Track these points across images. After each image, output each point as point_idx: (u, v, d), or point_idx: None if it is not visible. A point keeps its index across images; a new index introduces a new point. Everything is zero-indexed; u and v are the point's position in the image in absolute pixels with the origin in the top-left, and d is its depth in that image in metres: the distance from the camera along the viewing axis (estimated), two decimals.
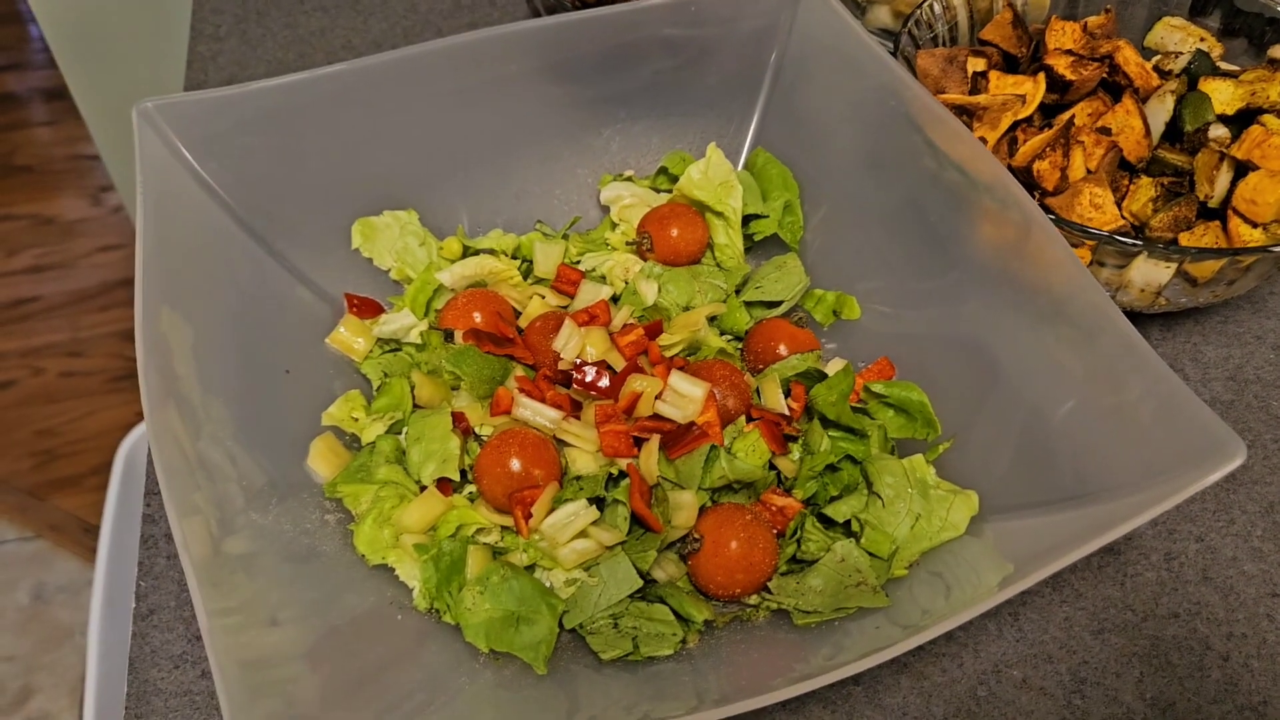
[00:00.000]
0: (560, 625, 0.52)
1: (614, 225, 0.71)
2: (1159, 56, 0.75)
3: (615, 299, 0.67)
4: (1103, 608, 0.59)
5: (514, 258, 0.69)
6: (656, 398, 0.58)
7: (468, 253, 0.68)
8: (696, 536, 0.54)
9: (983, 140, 0.71)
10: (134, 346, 0.49)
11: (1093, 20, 0.77)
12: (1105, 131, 0.70)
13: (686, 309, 0.66)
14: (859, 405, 0.60)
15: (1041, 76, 0.72)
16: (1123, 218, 0.68)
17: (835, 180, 0.68)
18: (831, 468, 0.57)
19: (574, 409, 0.59)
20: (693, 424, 0.56)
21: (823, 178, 0.69)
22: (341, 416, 0.59)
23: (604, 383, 0.59)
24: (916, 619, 0.49)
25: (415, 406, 0.60)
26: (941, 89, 0.75)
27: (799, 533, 0.56)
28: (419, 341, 0.64)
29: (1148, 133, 0.70)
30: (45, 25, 1.20)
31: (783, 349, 0.63)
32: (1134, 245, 0.62)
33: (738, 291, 0.68)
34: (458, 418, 0.58)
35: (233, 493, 0.50)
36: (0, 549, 1.57)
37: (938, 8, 0.77)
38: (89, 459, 1.66)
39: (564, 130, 0.70)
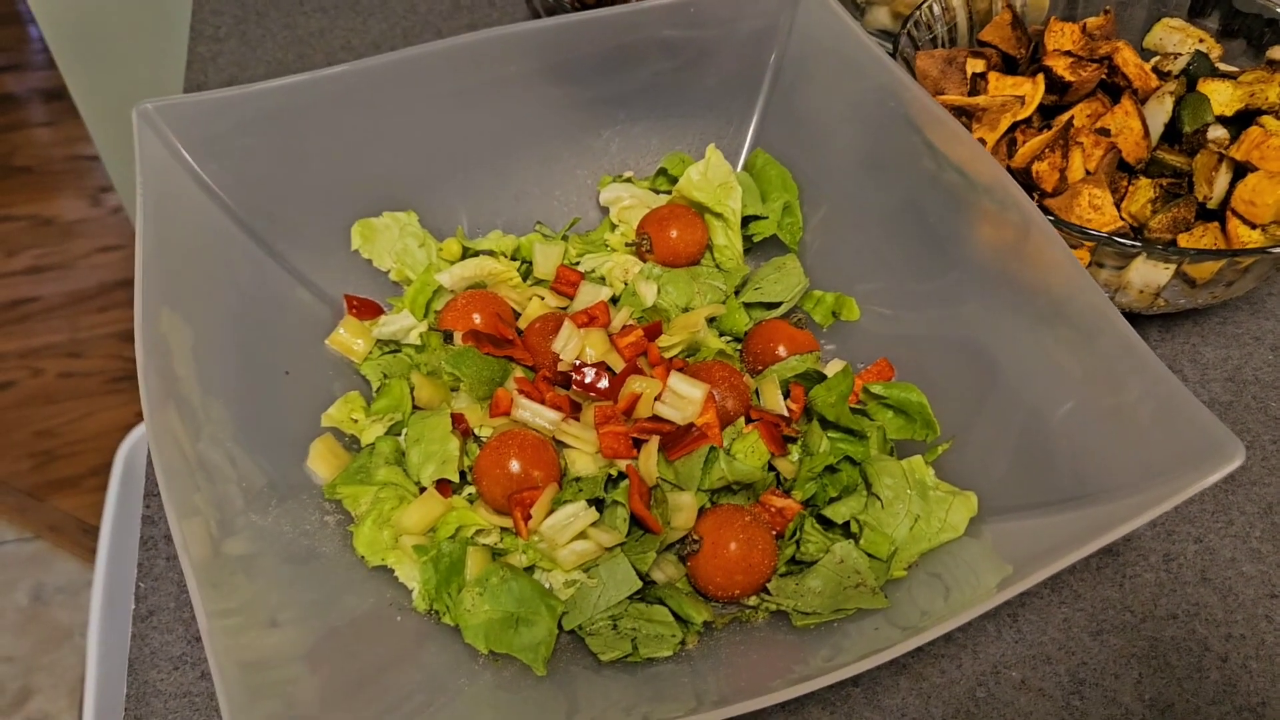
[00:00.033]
0: (559, 626, 0.52)
1: (613, 226, 0.71)
2: (1158, 58, 0.75)
3: (615, 300, 0.67)
4: (1101, 609, 0.59)
5: (513, 259, 0.70)
6: (656, 399, 0.58)
7: (467, 254, 0.68)
8: (696, 538, 0.54)
9: (982, 141, 0.71)
10: (133, 347, 0.49)
11: (1092, 21, 0.77)
12: (1104, 133, 0.70)
13: (686, 310, 0.66)
14: (858, 406, 0.61)
15: (1040, 78, 0.72)
16: (1121, 219, 0.68)
17: (834, 181, 0.69)
18: (830, 469, 0.57)
19: (573, 410, 0.59)
20: (692, 425, 0.56)
21: (822, 179, 0.69)
22: (341, 418, 0.60)
23: (603, 384, 0.59)
24: (915, 620, 0.49)
25: (415, 408, 0.60)
26: (940, 90, 0.75)
27: (798, 534, 0.56)
28: (418, 343, 0.64)
29: (1146, 134, 0.70)
30: (45, 26, 1.20)
31: (782, 350, 0.63)
32: (1133, 246, 0.62)
33: (737, 293, 0.68)
34: (457, 419, 0.58)
35: (232, 494, 0.50)
36: None
37: (937, 9, 0.77)
38: (88, 460, 1.66)
39: (563, 131, 0.70)
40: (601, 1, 0.83)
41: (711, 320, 0.66)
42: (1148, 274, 0.64)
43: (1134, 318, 0.71)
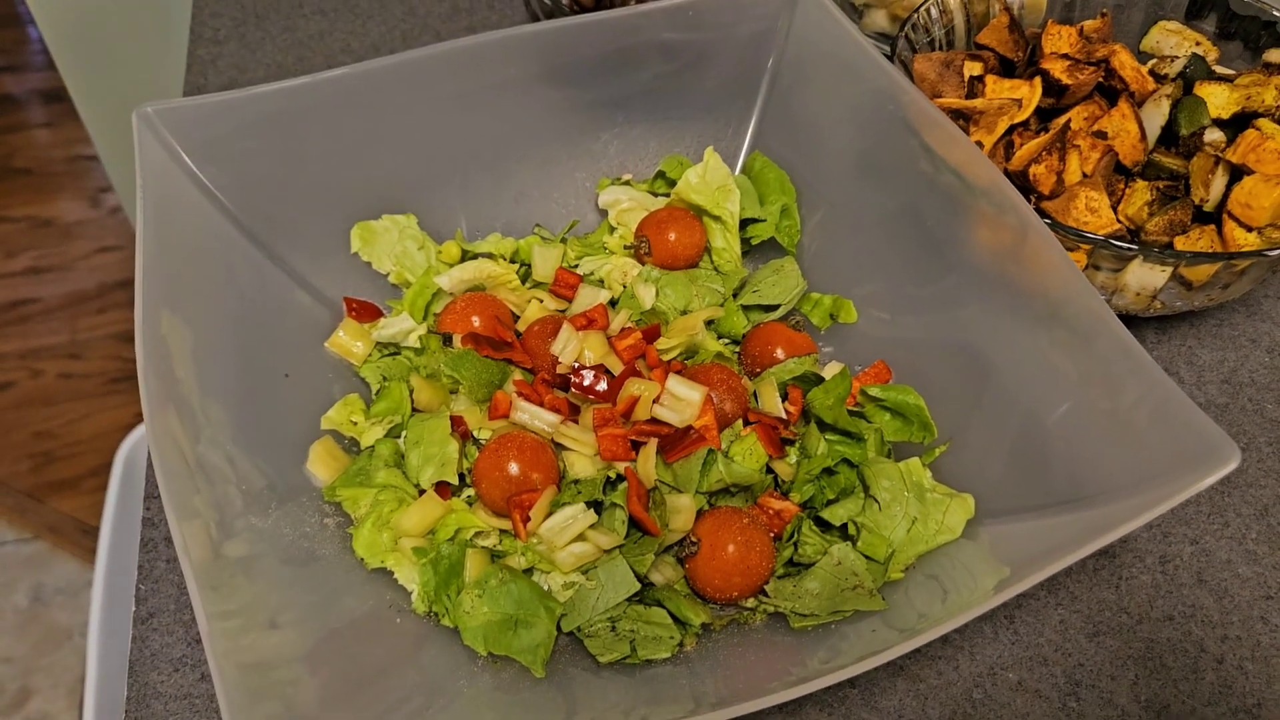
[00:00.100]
0: (558, 628, 0.52)
1: (612, 229, 0.72)
2: (1155, 60, 0.75)
3: (613, 303, 0.67)
4: (1098, 610, 0.59)
5: (512, 261, 0.70)
6: (654, 401, 0.58)
7: (466, 256, 0.69)
8: (694, 540, 0.55)
9: (979, 144, 0.71)
10: (132, 348, 0.49)
11: (1089, 24, 0.77)
12: (1101, 135, 0.71)
13: (684, 313, 0.66)
14: (856, 409, 0.61)
15: (1038, 81, 0.72)
16: (1118, 221, 0.68)
17: (832, 184, 0.69)
18: (828, 471, 0.57)
19: (572, 413, 0.59)
20: (690, 427, 0.57)
21: (820, 182, 0.69)
22: (340, 420, 0.60)
23: (602, 386, 0.59)
24: (913, 622, 0.49)
25: (414, 410, 0.60)
26: (938, 93, 0.75)
27: (796, 536, 0.56)
28: (418, 345, 0.64)
29: (1143, 137, 0.70)
30: (44, 27, 1.20)
31: (780, 353, 0.64)
32: (1129, 249, 0.62)
33: (735, 295, 0.68)
34: (456, 421, 0.58)
35: (232, 496, 0.50)
36: None
37: (934, 12, 0.77)
38: (87, 460, 1.66)
39: (562, 134, 0.71)
40: (600, 4, 0.83)
41: (710, 323, 0.67)
42: (1144, 277, 0.64)
43: (1130, 320, 0.71)
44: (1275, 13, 0.76)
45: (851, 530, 0.55)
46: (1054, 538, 0.48)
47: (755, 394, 0.62)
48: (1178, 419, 0.47)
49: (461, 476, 0.57)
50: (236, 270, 0.60)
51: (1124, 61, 0.72)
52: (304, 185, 0.63)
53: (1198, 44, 0.76)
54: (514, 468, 0.55)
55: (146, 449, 0.65)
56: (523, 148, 0.70)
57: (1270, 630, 0.59)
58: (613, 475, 0.56)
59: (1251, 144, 0.68)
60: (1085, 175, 0.69)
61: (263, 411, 0.56)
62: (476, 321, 0.63)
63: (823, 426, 0.58)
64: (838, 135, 0.68)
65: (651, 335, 0.63)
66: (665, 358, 0.63)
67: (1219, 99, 0.71)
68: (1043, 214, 0.67)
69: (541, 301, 0.67)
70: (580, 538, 0.54)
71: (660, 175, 0.73)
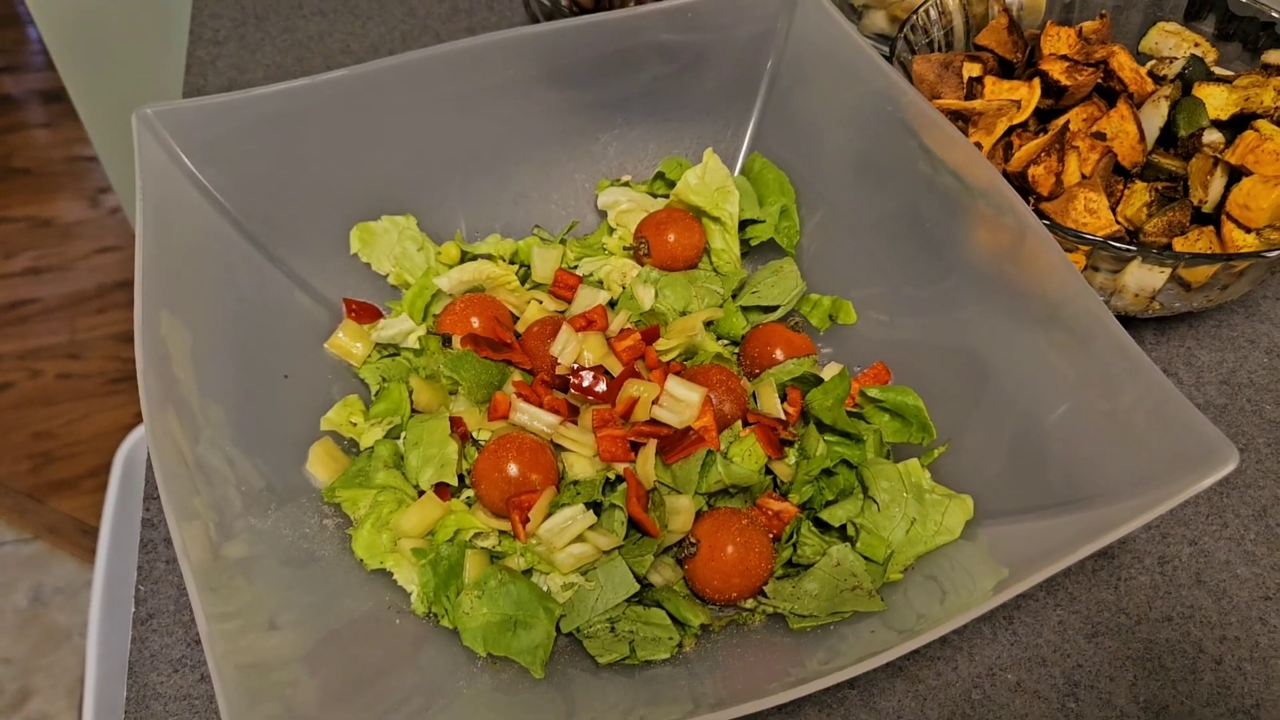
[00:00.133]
0: (557, 629, 0.52)
1: (611, 230, 0.72)
2: (1154, 62, 0.75)
3: (613, 304, 0.67)
4: (1096, 611, 0.59)
5: (512, 263, 0.70)
6: (653, 402, 0.58)
7: (466, 258, 0.69)
8: (693, 541, 0.55)
9: (978, 145, 0.71)
10: (132, 348, 0.49)
11: (1088, 25, 0.77)
12: (1100, 137, 0.71)
13: (683, 314, 0.66)
14: (855, 410, 0.61)
15: (1036, 82, 0.72)
16: (1117, 223, 0.68)
17: (831, 185, 0.69)
18: (827, 472, 0.57)
19: (571, 414, 0.59)
20: (689, 429, 0.57)
21: (819, 183, 0.70)
22: (340, 421, 0.60)
23: (601, 387, 0.59)
24: (911, 623, 0.49)
25: (413, 411, 0.60)
26: (937, 94, 0.75)
27: (795, 537, 0.56)
28: (417, 346, 0.64)
29: (1142, 138, 0.70)
30: (44, 27, 1.20)
31: (779, 354, 0.64)
32: (1128, 250, 0.62)
33: (734, 296, 0.68)
34: (455, 422, 0.58)
35: (231, 497, 0.50)
36: None
37: (933, 13, 0.77)
38: (86, 461, 1.66)
39: (562, 135, 0.71)
40: (599, 6, 0.83)
41: (709, 324, 0.67)
42: (1143, 278, 0.64)
43: (1129, 321, 0.71)
44: (1274, 14, 0.76)
45: (850, 531, 0.55)
46: (1053, 539, 0.48)
47: (754, 395, 0.62)
48: (1176, 420, 0.47)
49: (461, 477, 0.57)
50: (236, 271, 0.60)
51: (1123, 63, 0.72)
52: (303, 186, 0.63)
53: (1196, 45, 0.76)
54: (513, 469, 0.55)
55: (146, 449, 0.65)
56: (522, 149, 0.70)
57: (1269, 631, 0.59)
58: (612, 476, 0.56)
59: (1250, 145, 0.68)
60: (1084, 176, 0.69)
61: (262, 412, 0.56)
62: (476, 323, 0.63)
63: (822, 427, 0.58)
64: (837, 136, 0.68)
65: (651, 336, 0.63)
66: (664, 359, 0.63)
67: (1218, 100, 0.71)
68: (1041, 215, 0.67)
69: (541, 303, 0.67)
70: (579, 539, 0.54)
71: (659, 176, 0.73)
